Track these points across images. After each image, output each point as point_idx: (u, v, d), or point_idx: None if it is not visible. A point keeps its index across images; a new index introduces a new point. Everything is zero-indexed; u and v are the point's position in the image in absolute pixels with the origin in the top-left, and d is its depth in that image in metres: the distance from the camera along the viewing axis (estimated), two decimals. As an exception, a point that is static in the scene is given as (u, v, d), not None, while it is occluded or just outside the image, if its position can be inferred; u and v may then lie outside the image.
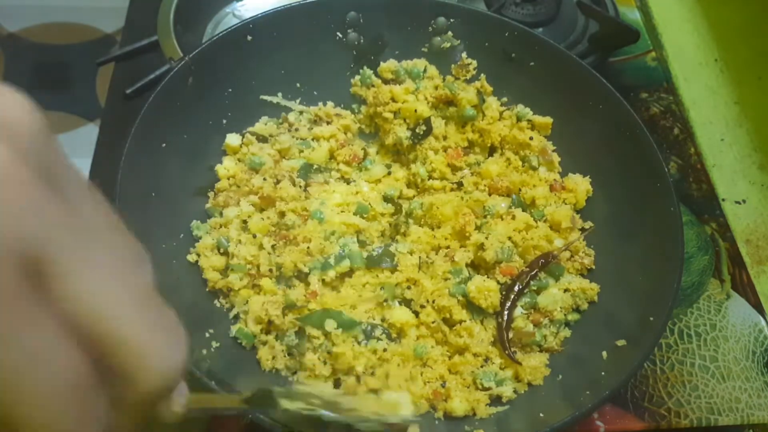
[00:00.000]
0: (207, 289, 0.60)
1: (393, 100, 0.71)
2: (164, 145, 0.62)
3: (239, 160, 0.68)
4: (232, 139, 0.69)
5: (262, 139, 0.70)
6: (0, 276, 0.17)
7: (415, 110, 0.70)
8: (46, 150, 0.21)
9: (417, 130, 0.70)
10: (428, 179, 0.69)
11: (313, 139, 0.71)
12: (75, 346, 0.19)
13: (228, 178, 0.67)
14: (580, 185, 0.68)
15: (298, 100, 0.73)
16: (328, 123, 0.72)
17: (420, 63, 0.74)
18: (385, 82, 0.73)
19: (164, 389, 0.20)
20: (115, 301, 0.20)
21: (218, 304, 0.60)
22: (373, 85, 0.73)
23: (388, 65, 0.74)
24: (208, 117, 0.67)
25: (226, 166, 0.67)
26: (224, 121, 0.69)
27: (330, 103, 0.74)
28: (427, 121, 0.70)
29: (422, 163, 0.70)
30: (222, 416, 0.46)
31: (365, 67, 0.74)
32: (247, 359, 0.57)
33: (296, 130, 0.71)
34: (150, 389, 0.20)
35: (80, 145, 1.82)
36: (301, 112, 0.73)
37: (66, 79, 1.97)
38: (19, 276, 0.18)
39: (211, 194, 0.66)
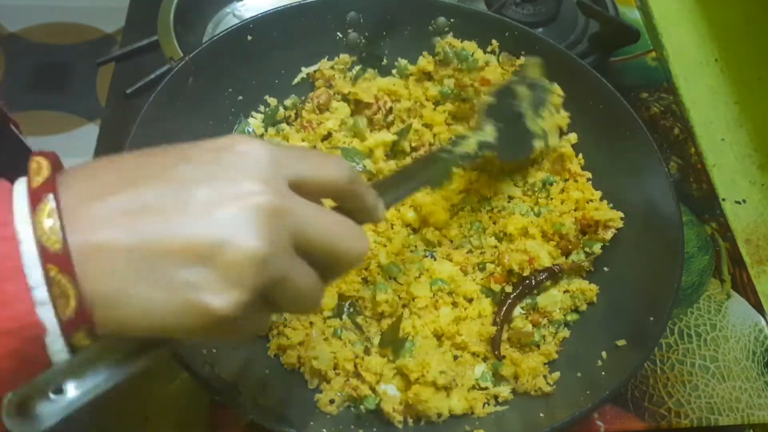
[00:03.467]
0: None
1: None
2: (164, 145, 0.62)
3: None
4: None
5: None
6: (286, 253, 0.32)
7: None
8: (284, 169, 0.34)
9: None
10: None
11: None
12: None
13: None
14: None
15: (303, 97, 0.73)
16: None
17: (469, 45, 0.73)
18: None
19: (361, 260, 0.36)
20: (331, 231, 0.34)
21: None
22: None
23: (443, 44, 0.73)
24: (208, 117, 0.67)
25: None
26: (224, 122, 0.69)
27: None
28: None
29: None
30: None
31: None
32: (252, 357, 0.57)
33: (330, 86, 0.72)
34: (352, 264, 0.36)
35: (80, 145, 1.82)
36: (332, 67, 0.73)
37: (66, 79, 1.98)
38: (291, 249, 0.33)
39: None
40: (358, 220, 0.38)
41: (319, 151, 0.39)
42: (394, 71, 0.75)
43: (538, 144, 0.64)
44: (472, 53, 0.72)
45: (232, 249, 0.30)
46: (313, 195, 0.35)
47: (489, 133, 0.57)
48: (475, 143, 0.56)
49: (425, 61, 0.74)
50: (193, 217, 0.30)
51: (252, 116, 0.71)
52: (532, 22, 0.88)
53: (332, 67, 0.73)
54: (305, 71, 0.73)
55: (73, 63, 2.00)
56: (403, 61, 0.75)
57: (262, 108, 0.71)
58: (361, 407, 0.55)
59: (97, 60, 0.89)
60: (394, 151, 0.71)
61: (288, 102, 0.73)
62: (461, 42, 0.73)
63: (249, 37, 0.68)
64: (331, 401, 0.55)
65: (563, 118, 0.69)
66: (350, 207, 0.38)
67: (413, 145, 0.71)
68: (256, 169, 0.32)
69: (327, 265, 0.35)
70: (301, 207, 0.33)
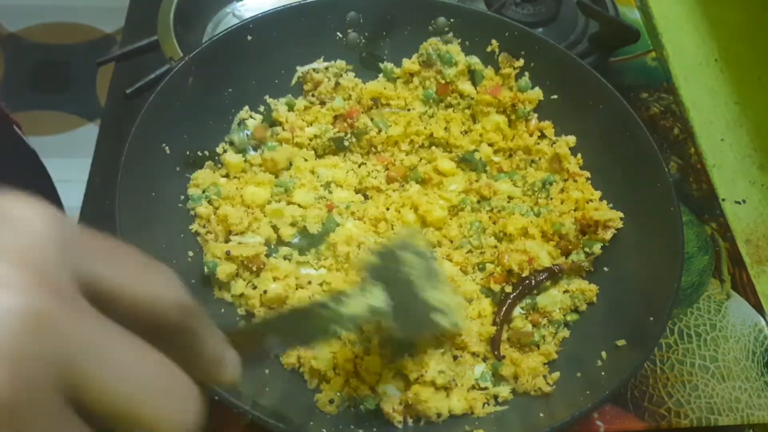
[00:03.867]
0: (210, 287, 0.60)
1: None
2: (164, 145, 0.62)
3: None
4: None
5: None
6: (43, 403, 0.19)
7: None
8: (64, 252, 0.21)
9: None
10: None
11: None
12: None
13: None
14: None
15: (300, 98, 0.73)
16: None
17: (453, 49, 0.73)
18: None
19: None
20: (131, 389, 0.21)
21: (222, 309, 0.60)
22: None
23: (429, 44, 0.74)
24: (208, 117, 0.67)
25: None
26: (224, 122, 0.69)
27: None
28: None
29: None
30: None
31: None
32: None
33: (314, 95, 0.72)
34: None
35: (80, 145, 1.83)
36: (327, 68, 0.73)
37: (66, 79, 1.98)
38: (56, 396, 0.19)
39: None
40: (192, 373, 0.25)
41: (146, 256, 0.25)
42: (380, 75, 0.75)
43: (440, 320, 0.51)
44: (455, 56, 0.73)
45: None
46: (119, 317, 0.22)
47: (377, 296, 0.46)
48: (365, 306, 0.45)
49: (410, 63, 0.74)
50: None
51: (251, 116, 0.71)
52: (532, 22, 0.88)
53: (327, 68, 0.73)
54: (300, 70, 0.73)
55: (73, 63, 2.00)
56: (389, 65, 0.75)
57: (261, 108, 0.72)
58: (361, 407, 0.55)
59: (97, 60, 0.89)
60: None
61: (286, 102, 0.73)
62: (445, 45, 0.73)
63: (249, 37, 0.68)
64: (331, 401, 0.55)
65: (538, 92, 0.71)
66: (180, 352, 0.25)
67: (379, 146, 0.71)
68: (26, 247, 0.20)
69: None
70: (88, 327, 0.20)
